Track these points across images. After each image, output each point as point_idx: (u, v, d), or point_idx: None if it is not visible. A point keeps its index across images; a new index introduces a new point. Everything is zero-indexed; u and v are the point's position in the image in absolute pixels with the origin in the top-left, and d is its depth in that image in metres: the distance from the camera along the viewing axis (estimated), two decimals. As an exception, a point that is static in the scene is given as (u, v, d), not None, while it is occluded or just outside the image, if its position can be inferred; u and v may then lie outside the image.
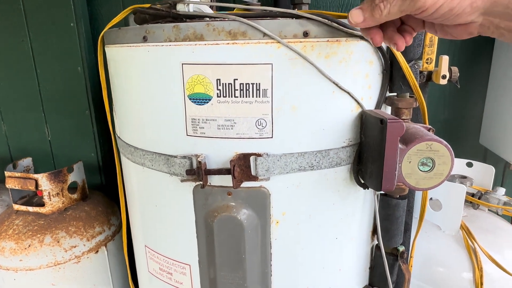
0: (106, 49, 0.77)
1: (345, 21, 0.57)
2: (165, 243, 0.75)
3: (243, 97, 0.59)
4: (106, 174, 1.56)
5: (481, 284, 0.92)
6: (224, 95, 0.59)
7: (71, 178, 1.21)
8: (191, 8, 0.64)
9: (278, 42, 0.57)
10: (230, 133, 0.61)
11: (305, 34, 0.57)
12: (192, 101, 0.61)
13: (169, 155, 0.65)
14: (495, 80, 1.22)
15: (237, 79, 0.58)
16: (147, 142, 0.69)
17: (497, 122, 1.20)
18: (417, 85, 0.64)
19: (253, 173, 0.62)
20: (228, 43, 0.57)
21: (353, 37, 0.60)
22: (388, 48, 0.64)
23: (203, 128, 0.62)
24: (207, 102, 0.60)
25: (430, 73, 0.75)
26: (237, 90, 0.59)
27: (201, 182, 0.64)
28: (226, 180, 0.63)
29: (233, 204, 0.64)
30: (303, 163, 0.63)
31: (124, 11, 0.77)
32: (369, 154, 0.62)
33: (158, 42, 0.60)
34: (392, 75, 0.66)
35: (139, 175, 0.74)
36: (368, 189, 0.68)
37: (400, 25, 0.51)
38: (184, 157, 0.63)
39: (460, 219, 1.00)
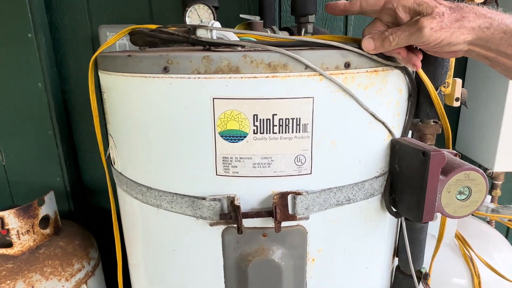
0: (101, 75, 0.68)
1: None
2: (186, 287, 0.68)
3: (282, 133, 0.55)
4: (75, 200, 1.41)
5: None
6: (262, 132, 0.54)
7: (42, 211, 1.07)
8: (215, 35, 0.58)
9: (320, 75, 0.53)
10: (267, 171, 0.56)
11: (347, 66, 0.54)
12: (224, 139, 0.55)
13: (195, 197, 0.59)
14: (469, 87, 1.28)
15: (276, 114, 0.54)
16: (165, 182, 0.61)
17: (473, 128, 1.27)
18: (443, 111, 0.64)
19: (291, 212, 0.58)
20: (268, 76, 0.52)
21: (388, 67, 0.58)
22: (415, 74, 0.64)
23: (236, 167, 0.56)
24: (242, 139, 0.55)
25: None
26: (275, 126, 0.54)
27: (234, 225, 0.58)
28: (260, 221, 0.59)
29: (269, 246, 0.60)
30: (341, 197, 0.60)
31: (122, 32, 0.68)
32: (405, 184, 0.61)
33: (184, 74, 0.54)
34: (418, 101, 0.65)
35: (152, 217, 0.66)
36: (401, 218, 0.67)
37: None
38: (214, 199, 0.57)
39: (455, 228, 1.04)
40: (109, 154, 0.80)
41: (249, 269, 0.60)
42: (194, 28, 0.58)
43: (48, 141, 1.32)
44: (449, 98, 0.75)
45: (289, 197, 0.57)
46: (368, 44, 0.53)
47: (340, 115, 0.56)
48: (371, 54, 0.55)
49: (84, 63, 1.33)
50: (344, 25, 1.24)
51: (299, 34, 0.84)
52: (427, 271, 0.75)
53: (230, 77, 0.52)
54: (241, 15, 0.86)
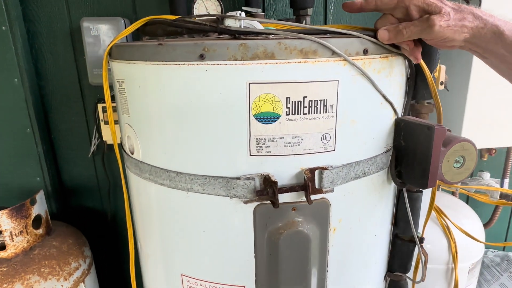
0: (119, 65, 0.69)
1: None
2: (213, 269, 0.71)
3: (311, 113, 0.60)
4: (56, 201, 1.36)
5: (456, 253, 1.10)
6: (293, 113, 0.59)
7: (35, 211, 1.03)
8: (242, 24, 0.61)
9: (345, 60, 0.59)
10: (297, 149, 0.62)
11: (365, 52, 0.61)
12: (259, 121, 0.59)
13: (229, 177, 0.62)
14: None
15: (306, 97, 0.59)
16: (197, 166, 0.64)
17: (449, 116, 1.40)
18: (437, 93, 0.73)
19: (317, 186, 0.64)
20: (300, 62, 0.57)
21: (395, 54, 0.66)
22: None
23: (269, 147, 0.61)
24: (275, 121, 0.59)
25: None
26: (305, 107, 0.59)
27: (266, 202, 0.63)
28: (290, 197, 0.64)
29: (299, 219, 0.65)
30: (358, 171, 0.67)
31: (139, 22, 0.69)
32: (411, 157, 0.69)
33: (220, 61, 0.57)
34: (416, 84, 0.74)
35: (180, 202, 0.68)
36: (405, 187, 0.76)
37: None
38: (248, 178, 0.61)
39: (432, 201, 1.16)
40: (119, 144, 0.81)
41: (280, 242, 0.64)
42: (222, 18, 0.61)
43: (26, 139, 1.26)
44: (435, 82, 0.85)
45: (316, 172, 0.63)
46: (384, 35, 0.61)
47: (358, 97, 0.63)
48: (384, 44, 0.62)
49: (62, 57, 1.29)
50: (323, 19, 1.32)
51: (298, 26, 0.90)
52: (423, 236, 0.85)
53: (265, 63, 0.57)
54: (243, 8, 0.89)
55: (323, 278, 0.71)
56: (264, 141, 0.61)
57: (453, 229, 1.12)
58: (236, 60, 0.57)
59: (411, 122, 0.68)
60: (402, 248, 0.85)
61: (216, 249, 0.69)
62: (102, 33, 1.18)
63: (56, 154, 1.38)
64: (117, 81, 0.72)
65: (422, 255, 0.85)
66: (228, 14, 0.62)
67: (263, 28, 0.63)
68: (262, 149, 0.61)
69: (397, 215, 0.85)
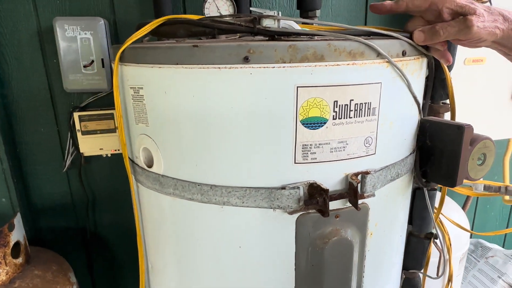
0: (136, 69, 0.62)
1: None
2: (246, 284, 0.66)
3: (356, 117, 0.58)
4: (26, 222, 1.20)
5: (450, 245, 1.16)
6: (340, 117, 0.57)
7: (13, 237, 0.90)
8: (281, 24, 0.58)
9: (387, 62, 0.58)
10: (342, 155, 0.59)
11: (404, 53, 0.61)
12: (305, 126, 0.56)
13: (272, 188, 0.58)
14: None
15: (353, 100, 0.57)
16: (235, 178, 0.59)
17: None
18: (453, 93, 0.76)
19: (359, 191, 0.62)
20: (348, 64, 0.55)
21: (424, 55, 0.66)
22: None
23: (315, 153, 0.58)
24: (322, 126, 0.57)
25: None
26: (351, 110, 0.58)
27: (310, 211, 0.60)
28: (335, 204, 0.61)
29: (341, 226, 0.63)
30: (393, 173, 0.67)
31: (157, 21, 0.63)
32: (438, 156, 0.70)
33: (267, 64, 0.53)
34: (434, 85, 0.76)
35: (213, 217, 0.62)
36: (428, 186, 0.77)
37: None
38: (294, 187, 0.58)
39: (424, 196, 1.21)
40: (129, 158, 0.73)
41: (325, 251, 0.62)
42: (259, 17, 0.57)
43: (-12, 156, 1.10)
44: None
45: (359, 177, 0.61)
46: (419, 36, 0.61)
47: (396, 98, 0.63)
48: (418, 45, 0.62)
49: (28, 61, 1.14)
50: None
51: (306, 28, 0.88)
52: (437, 233, 0.87)
53: (315, 65, 0.54)
54: (251, 8, 0.86)
55: (360, 283, 0.70)
56: (310, 148, 0.58)
57: (444, 221, 1.18)
58: (285, 62, 0.53)
59: (438, 123, 0.69)
60: (418, 245, 0.87)
61: (254, 264, 0.65)
62: (79, 35, 1.07)
63: (23, 171, 1.22)
64: (131, 88, 0.64)
65: (442, 250, 0.88)
66: (266, 13, 0.58)
67: (300, 28, 0.60)
68: (307, 156, 0.58)
69: (412, 213, 0.86)
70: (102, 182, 1.29)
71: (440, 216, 1.19)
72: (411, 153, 0.71)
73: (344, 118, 0.57)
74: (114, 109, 1.01)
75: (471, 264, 1.51)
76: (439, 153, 0.70)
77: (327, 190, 0.56)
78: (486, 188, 1.22)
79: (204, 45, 0.54)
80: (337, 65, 0.55)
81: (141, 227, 0.79)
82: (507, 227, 1.84)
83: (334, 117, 0.57)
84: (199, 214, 0.64)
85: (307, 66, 0.54)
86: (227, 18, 0.59)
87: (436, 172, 0.72)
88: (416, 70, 0.65)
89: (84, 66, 1.09)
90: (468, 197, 1.58)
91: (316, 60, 0.54)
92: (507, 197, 1.42)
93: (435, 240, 0.87)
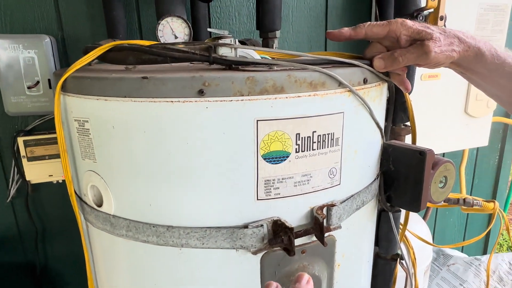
0: (80, 101, 0.56)
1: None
2: (211, 330, 0.61)
3: (319, 148, 0.56)
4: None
5: (415, 259, 1.17)
6: (303, 150, 0.55)
7: None
8: (239, 53, 0.54)
9: (349, 91, 0.56)
10: (306, 188, 0.57)
11: (365, 81, 0.59)
12: (267, 161, 0.53)
13: (234, 227, 0.54)
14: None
15: (315, 131, 0.55)
16: (195, 217, 0.55)
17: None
18: (413, 115, 0.76)
19: (325, 224, 0.60)
20: (310, 95, 0.53)
21: (384, 81, 0.66)
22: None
23: (278, 188, 0.55)
24: (285, 160, 0.54)
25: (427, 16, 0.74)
26: (314, 142, 0.55)
27: (275, 249, 0.56)
28: (300, 240, 0.58)
29: (308, 261, 0.60)
30: (359, 202, 0.65)
31: (104, 47, 0.57)
32: (403, 181, 0.69)
33: (224, 97, 0.49)
34: (395, 108, 0.76)
35: (171, 260, 0.57)
36: (392, 210, 0.76)
37: None
38: (258, 225, 0.54)
39: (388, 211, 1.22)
40: (75, 196, 0.66)
41: (292, 289, 0.59)
42: (215, 46, 0.54)
43: None
44: (434, 17, 0.73)
45: (324, 210, 0.59)
46: (379, 63, 0.60)
47: (359, 126, 0.61)
48: (378, 72, 0.61)
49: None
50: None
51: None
52: (402, 253, 0.87)
53: (275, 98, 0.51)
54: (208, 29, 0.82)
55: (329, 317, 0.67)
56: (273, 183, 0.54)
57: (408, 235, 1.19)
58: (243, 95, 0.50)
59: (401, 147, 0.69)
60: (386, 267, 0.86)
61: (217, 308, 0.60)
62: (21, 53, 0.98)
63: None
64: (76, 120, 0.58)
65: (408, 270, 0.88)
66: (221, 42, 0.55)
67: (259, 57, 0.57)
68: (270, 191, 0.55)
69: (378, 235, 0.85)
70: (52, 211, 1.18)
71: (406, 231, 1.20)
72: (375, 179, 0.70)
73: (307, 150, 0.55)
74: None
75: (434, 272, 1.55)
76: (403, 178, 0.69)
77: (292, 228, 0.53)
78: (446, 200, 1.25)
79: (154, 77, 0.50)
80: (298, 96, 0.52)
81: (92, 267, 0.72)
82: (465, 233, 1.91)
83: (297, 150, 0.54)
84: (156, 256, 0.58)
85: (266, 99, 0.51)
86: (181, 46, 0.54)
87: (401, 197, 0.71)
88: (378, 97, 0.64)
89: (29, 87, 1.00)
90: (428, 208, 1.62)
91: (276, 92, 0.51)
92: (464, 206, 1.47)
93: (402, 260, 0.87)
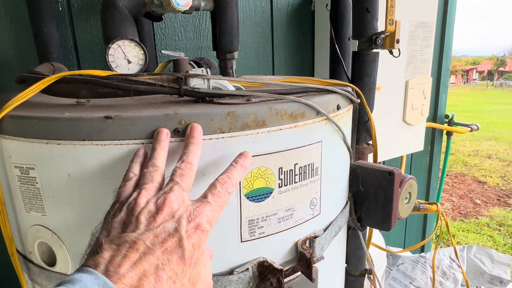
0: (27, 146, 0.47)
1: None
2: None
3: (301, 180, 0.54)
4: None
5: (373, 266, 1.20)
6: (286, 184, 0.52)
7: None
8: (212, 84, 0.50)
9: (326, 119, 0.55)
10: (289, 223, 0.54)
11: (338, 107, 0.59)
12: (250, 200, 0.49)
13: (218, 274, 0.50)
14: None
15: (297, 164, 0.52)
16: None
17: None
18: (376, 134, 0.78)
19: (308, 256, 0.57)
20: (291, 127, 0.50)
21: (352, 103, 0.66)
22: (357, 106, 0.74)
23: (262, 227, 0.51)
24: (268, 197, 0.51)
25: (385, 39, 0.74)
26: (296, 175, 0.53)
27: (264, 291, 0.53)
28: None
29: (294, 298, 0.57)
30: (336, 228, 0.64)
31: (49, 79, 0.49)
32: (373, 201, 0.70)
33: (203, 135, 0.45)
34: (358, 127, 0.77)
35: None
36: (363, 230, 0.77)
37: None
38: (243, 270, 0.50)
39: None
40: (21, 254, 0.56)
41: (280, 331, 0.55)
42: (185, 77, 0.49)
43: None
44: (391, 40, 0.73)
45: (307, 242, 0.57)
46: None
47: (334, 153, 0.60)
48: (350, 95, 0.61)
49: None
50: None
51: (225, 70, 0.81)
52: (370, 268, 0.88)
53: (257, 133, 0.47)
54: (163, 51, 0.75)
55: None
56: (257, 222, 0.51)
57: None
58: (223, 132, 0.46)
59: (369, 168, 0.69)
60: (355, 284, 0.87)
61: None
62: None
63: None
64: (17, 167, 0.49)
65: (376, 285, 0.89)
66: (193, 72, 0.50)
67: (234, 88, 0.53)
68: (254, 231, 0.51)
69: (347, 254, 0.86)
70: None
71: (361, 239, 1.23)
72: (347, 202, 0.70)
73: (290, 184, 0.52)
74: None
75: (385, 273, 1.62)
76: (372, 198, 0.70)
77: (281, 270, 0.50)
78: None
79: (120, 116, 0.43)
80: (280, 129, 0.49)
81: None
82: (405, 232, 2.05)
83: (280, 185, 0.51)
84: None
85: (248, 134, 0.47)
86: (145, 77, 0.48)
87: (371, 217, 0.72)
88: (348, 121, 0.64)
89: None
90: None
91: (258, 127, 0.47)
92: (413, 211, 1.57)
93: (369, 275, 0.89)
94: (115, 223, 0.34)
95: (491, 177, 4.65)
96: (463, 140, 6.73)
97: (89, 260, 0.31)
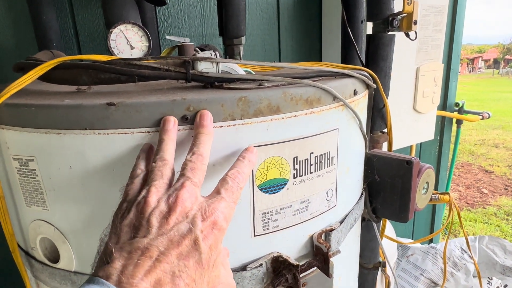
0: (25, 136, 0.44)
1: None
2: None
3: (317, 171, 0.50)
4: None
5: (385, 257, 1.18)
6: (301, 174, 0.48)
7: None
8: (221, 68, 0.46)
9: (343, 105, 0.52)
10: (305, 215, 0.51)
11: (355, 93, 0.55)
12: (264, 191, 0.46)
13: (231, 270, 0.47)
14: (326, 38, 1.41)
15: (312, 152, 0.49)
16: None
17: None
18: (391, 122, 0.74)
19: (324, 250, 0.54)
20: (306, 113, 0.47)
21: (367, 89, 0.62)
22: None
23: (276, 220, 0.48)
24: (282, 188, 0.47)
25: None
26: (312, 165, 0.49)
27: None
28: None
29: (310, 294, 0.54)
30: (352, 220, 0.61)
31: (46, 65, 0.46)
32: (388, 192, 0.67)
33: (214, 123, 0.41)
34: (373, 114, 0.73)
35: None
36: (378, 222, 0.74)
37: None
38: (257, 265, 0.47)
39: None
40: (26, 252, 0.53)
41: (296, 329, 0.52)
42: (193, 60, 0.45)
43: None
44: (408, 21, 0.67)
45: (323, 235, 0.54)
46: None
47: (350, 141, 0.57)
48: (368, 80, 0.58)
49: None
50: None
51: (232, 56, 0.78)
52: (383, 261, 0.86)
53: (271, 120, 0.44)
54: (167, 37, 0.72)
55: None
56: (270, 215, 0.48)
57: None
58: (235, 119, 0.42)
59: (386, 157, 0.66)
60: (369, 277, 0.84)
61: None
62: None
63: None
64: (16, 159, 0.46)
65: (391, 278, 0.86)
66: (200, 55, 0.46)
67: (244, 72, 0.49)
68: (268, 225, 0.48)
69: (360, 246, 0.83)
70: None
71: (372, 231, 1.21)
72: (362, 193, 0.66)
73: (305, 174, 0.49)
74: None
75: (396, 264, 1.60)
76: (389, 188, 0.67)
77: (297, 265, 0.47)
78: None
79: (124, 103, 0.40)
80: (295, 116, 0.46)
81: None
82: (414, 223, 2.02)
83: (295, 176, 0.48)
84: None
85: (261, 122, 0.44)
86: (150, 61, 0.45)
87: (388, 208, 0.69)
88: (364, 107, 0.60)
89: None
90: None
91: (272, 113, 0.44)
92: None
93: (383, 267, 0.86)
94: (124, 227, 0.31)
95: (498, 166, 4.59)
96: (469, 129, 6.65)
97: (100, 270, 0.28)
